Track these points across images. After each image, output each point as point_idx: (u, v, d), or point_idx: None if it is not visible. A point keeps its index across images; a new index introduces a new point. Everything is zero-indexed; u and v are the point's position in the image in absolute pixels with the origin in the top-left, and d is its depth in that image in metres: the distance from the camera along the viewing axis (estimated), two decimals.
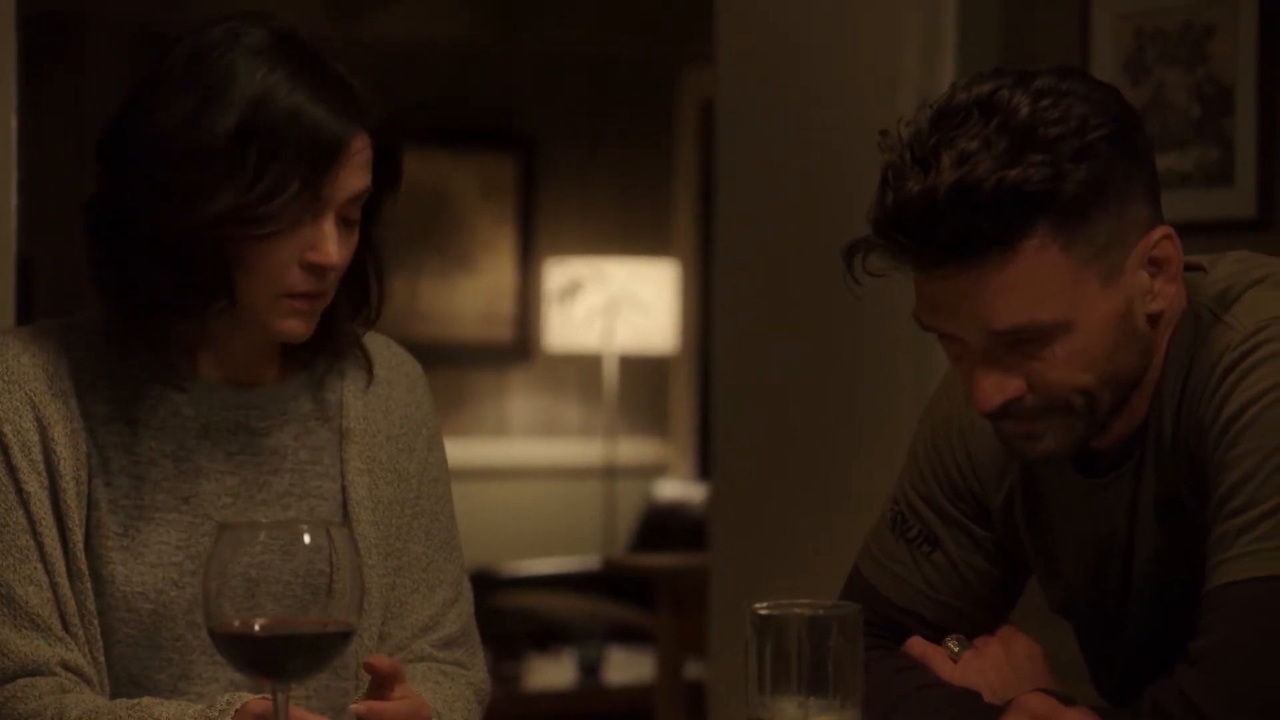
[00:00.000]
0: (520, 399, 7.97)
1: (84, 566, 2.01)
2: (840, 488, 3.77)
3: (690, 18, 5.80)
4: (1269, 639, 1.77)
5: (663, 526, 7.59)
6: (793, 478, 3.91)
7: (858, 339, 3.76)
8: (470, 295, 7.85)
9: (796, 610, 1.66)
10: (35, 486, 2.01)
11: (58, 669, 1.98)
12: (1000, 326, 1.83)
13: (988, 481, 2.05)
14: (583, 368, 7.94)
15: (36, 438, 2.02)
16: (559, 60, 7.93)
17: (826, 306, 3.77)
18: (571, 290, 7.66)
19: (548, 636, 6.70)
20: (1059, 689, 1.91)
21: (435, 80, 7.64)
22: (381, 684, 1.90)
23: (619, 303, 7.64)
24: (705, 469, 7.08)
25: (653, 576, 5.78)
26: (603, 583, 7.24)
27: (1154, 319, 1.89)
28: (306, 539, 1.71)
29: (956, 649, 2.00)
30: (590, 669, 6.26)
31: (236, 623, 1.68)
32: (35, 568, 2.00)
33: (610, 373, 7.76)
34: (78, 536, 2.01)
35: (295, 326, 2.03)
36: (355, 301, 2.11)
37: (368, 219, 2.07)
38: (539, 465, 7.94)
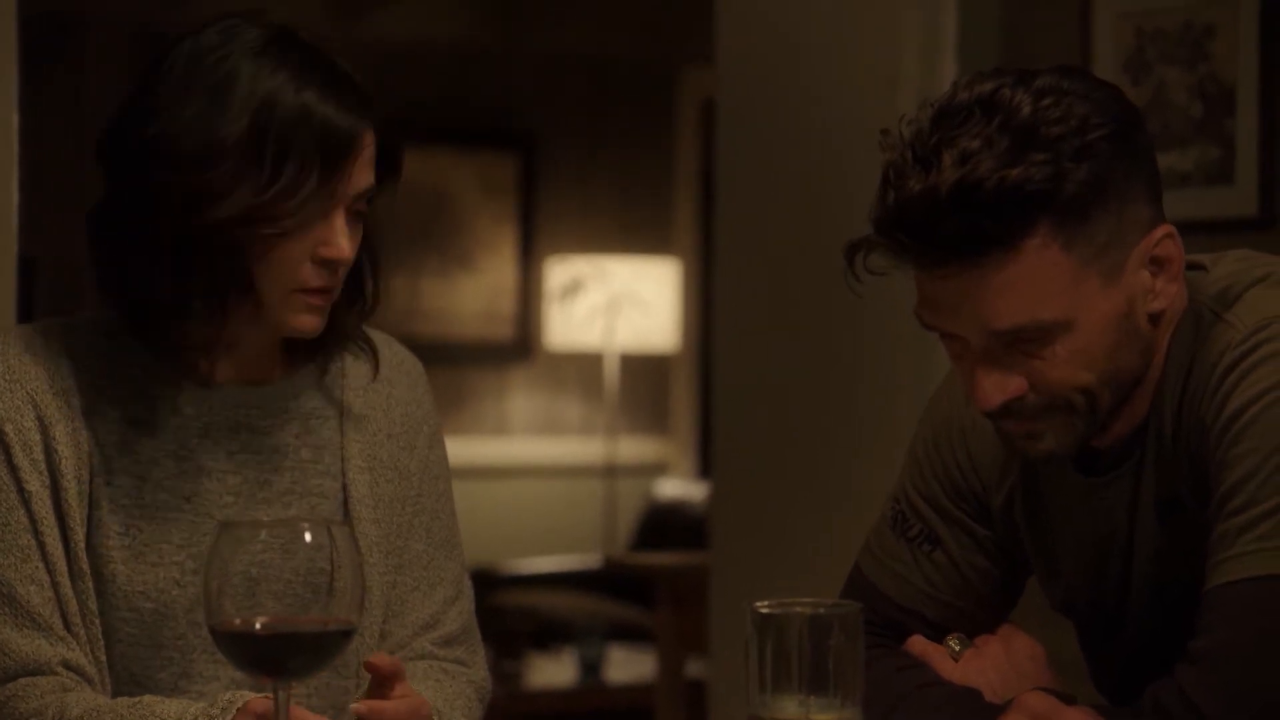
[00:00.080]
0: (521, 397, 7.96)
1: (85, 566, 2.01)
2: (840, 487, 3.76)
3: (690, 18, 5.80)
4: (1269, 639, 1.77)
5: (663, 525, 7.58)
6: (793, 477, 3.91)
7: (858, 338, 3.76)
8: (471, 294, 7.84)
9: (797, 609, 1.66)
10: (37, 486, 2.01)
11: (59, 668, 1.98)
12: (1001, 326, 1.83)
13: (988, 481, 2.05)
14: (583, 366, 7.94)
15: (38, 437, 2.02)
16: (559, 60, 7.93)
17: (827, 306, 3.77)
18: (572, 289, 7.65)
19: (548, 635, 6.69)
20: (1060, 688, 1.91)
21: (435, 80, 7.64)
22: (382, 682, 1.90)
23: (620, 301, 7.63)
24: (706, 468, 7.08)
25: (653, 575, 5.77)
26: (603, 581, 7.24)
27: (1155, 318, 1.89)
28: (307, 537, 1.72)
29: (957, 648, 2.00)
30: (591, 667, 6.25)
31: (238, 621, 1.68)
32: (37, 567, 2.00)
33: (611, 371, 7.75)
34: (79, 536, 2.01)
35: (309, 321, 2.04)
36: (352, 294, 2.11)
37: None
38: (540, 464, 7.94)
